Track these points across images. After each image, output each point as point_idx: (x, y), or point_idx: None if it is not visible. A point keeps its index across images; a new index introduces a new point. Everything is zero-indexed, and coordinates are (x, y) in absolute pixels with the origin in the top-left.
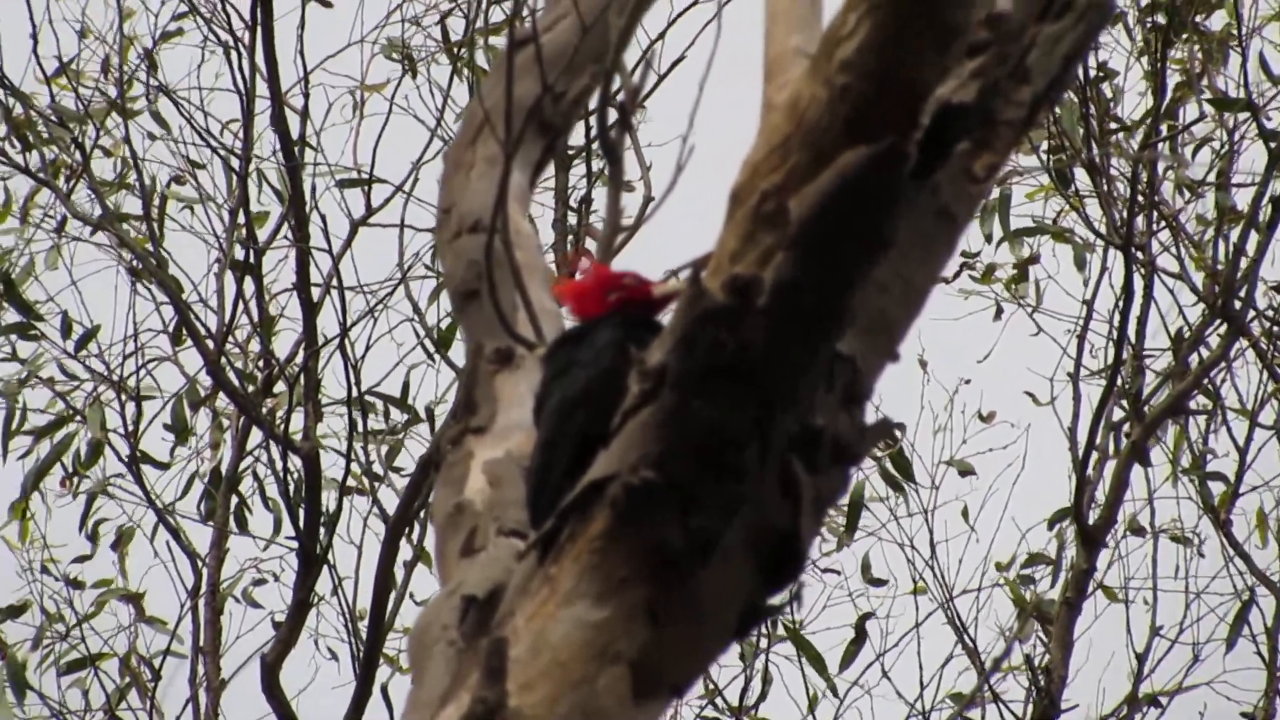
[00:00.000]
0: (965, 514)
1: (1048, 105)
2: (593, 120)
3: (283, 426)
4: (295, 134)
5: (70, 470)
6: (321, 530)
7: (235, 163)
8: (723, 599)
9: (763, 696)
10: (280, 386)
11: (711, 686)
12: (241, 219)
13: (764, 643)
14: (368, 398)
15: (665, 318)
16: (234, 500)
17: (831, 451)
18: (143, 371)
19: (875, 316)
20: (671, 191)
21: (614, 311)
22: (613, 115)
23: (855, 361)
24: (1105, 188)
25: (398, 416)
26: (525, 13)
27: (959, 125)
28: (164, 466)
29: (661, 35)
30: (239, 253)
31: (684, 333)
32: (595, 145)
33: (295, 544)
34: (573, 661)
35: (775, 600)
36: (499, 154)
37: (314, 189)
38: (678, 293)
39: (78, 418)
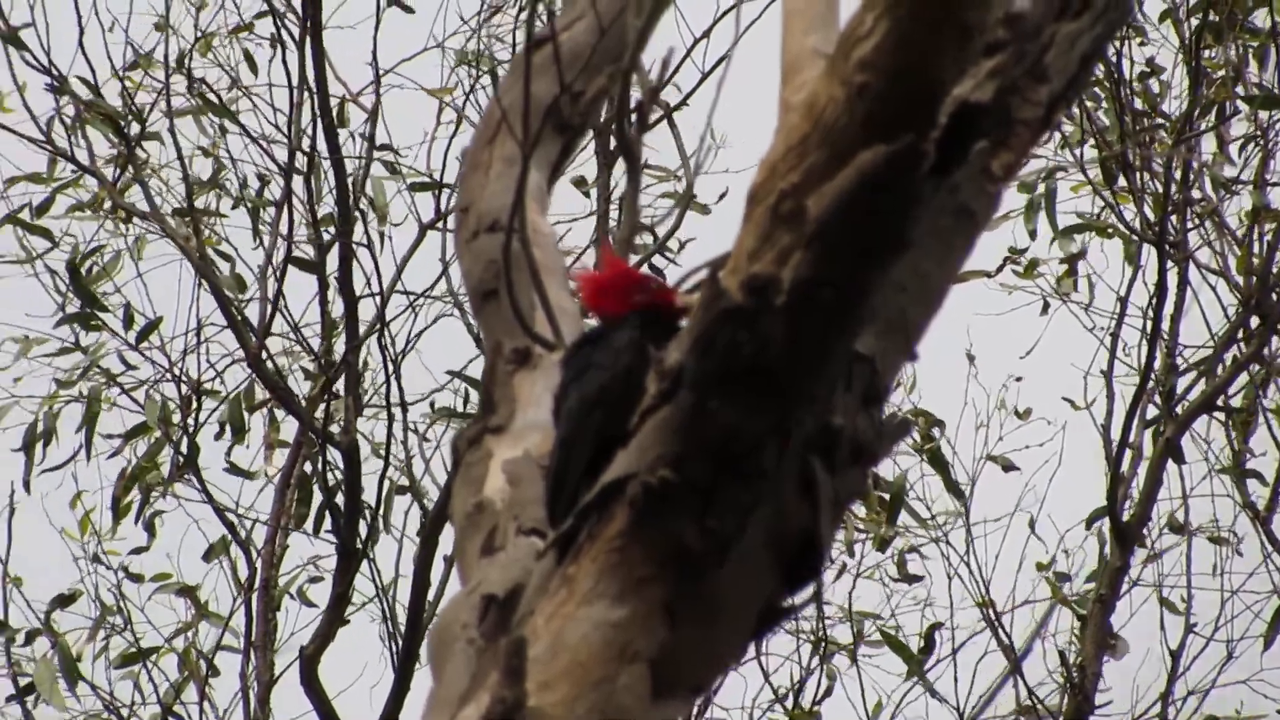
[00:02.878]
0: (1032, 524)
1: (1065, 104)
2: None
3: (322, 421)
4: (365, 135)
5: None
6: (363, 525)
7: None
8: (742, 599)
9: (827, 693)
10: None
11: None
12: (304, 215)
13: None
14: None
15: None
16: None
17: (850, 451)
18: (205, 365)
19: (894, 315)
20: (692, 195)
21: (633, 312)
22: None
23: (874, 361)
24: (1139, 184)
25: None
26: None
27: (977, 124)
28: (249, 476)
29: (706, 34)
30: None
31: (702, 332)
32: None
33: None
34: (592, 661)
35: (794, 600)
36: (517, 153)
37: (357, 186)
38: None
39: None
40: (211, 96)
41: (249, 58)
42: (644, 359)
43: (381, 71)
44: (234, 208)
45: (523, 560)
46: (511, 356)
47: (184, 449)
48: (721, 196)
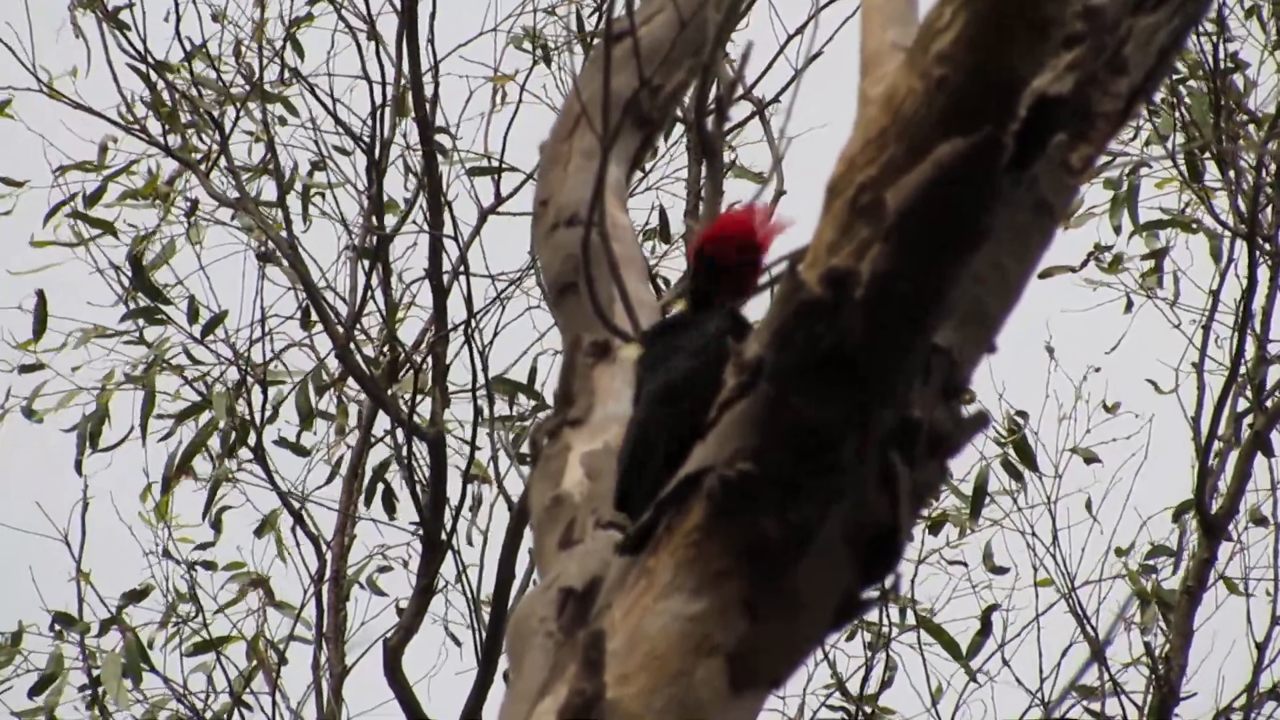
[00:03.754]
0: (1089, 505)
1: (1144, 97)
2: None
3: (409, 411)
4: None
5: (215, 455)
6: (447, 516)
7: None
8: (820, 591)
9: (886, 684)
10: (407, 372)
11: (836, 677)
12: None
13: (891, 631)
14: (500, 383)
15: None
16: (379, 487)
17: (929, 444)
18: (270, 355)
19: (972, 308)
20: (776, 191)
21: (721, 304)
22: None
23: (952, 353)
24: (1233, 178)
25: (525, 403)
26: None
27: (1055, 117)
28: (304, 452)
29: (800, 31)
30: (372, 239)
31: (781, 325)
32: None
33: (419, 530)
34: (670, 654)
35: (871, 592)
36: (596, 147)
37: (442, 176)
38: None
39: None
40: (291, 84)
41: (296, 45)
42: (727, 352)
43: (439, 57)
44: (287, 193)
45: (601, 553)
46: (590, 350)
47: (246, 432)
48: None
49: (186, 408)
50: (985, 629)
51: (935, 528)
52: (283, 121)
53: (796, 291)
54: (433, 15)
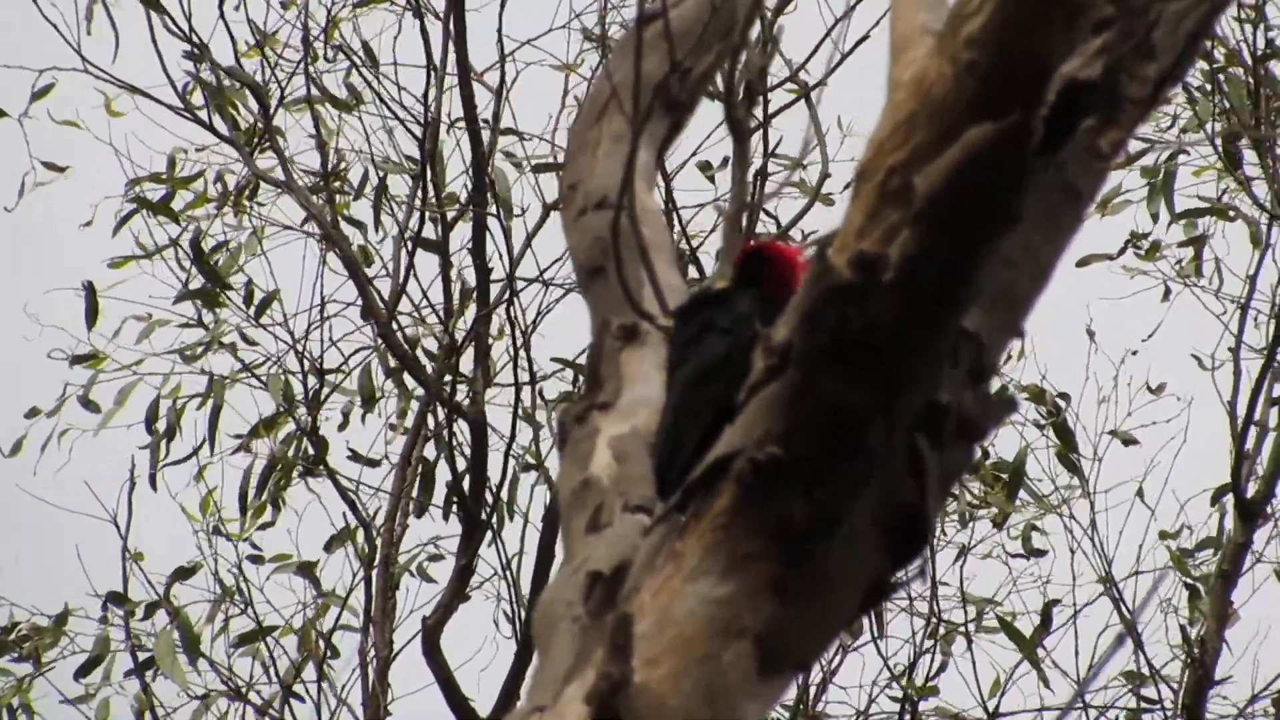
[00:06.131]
0: (1141, 493)
1: (1173, 82)
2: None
3: (449, 391)
4: (489, 114)
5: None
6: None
7: (417, 130)
8: (848, 575)
9: (942, 668)
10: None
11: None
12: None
13: (965, 627)
14: (548, 365)
15: None
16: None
17: (956, 428)
18: (327, 342)
19: (1000, 292)
20: (820, 174)
21: (753, 283)
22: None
23: (980, 337)
24: (1272, 164)
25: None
26: None
27: (1085, 102)
28: (373, 464)
29: (847, 14)
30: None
31: (809, 309)
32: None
33: (459, 510)
34: (698, 637)
35: (900, 576)
36: (625, 130)
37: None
38: None
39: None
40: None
41: (368, 50)
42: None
43: (508, 51)
44: (360, 187)
45: (629, 537)
46: (619, 333)
47: (309, 433)
48: (847, 187)
49: (259, 422)
50: (1045, 622)
51: (1001, 522)
52: (353, 106)
53: (825, 275)
54: (502, 6)
